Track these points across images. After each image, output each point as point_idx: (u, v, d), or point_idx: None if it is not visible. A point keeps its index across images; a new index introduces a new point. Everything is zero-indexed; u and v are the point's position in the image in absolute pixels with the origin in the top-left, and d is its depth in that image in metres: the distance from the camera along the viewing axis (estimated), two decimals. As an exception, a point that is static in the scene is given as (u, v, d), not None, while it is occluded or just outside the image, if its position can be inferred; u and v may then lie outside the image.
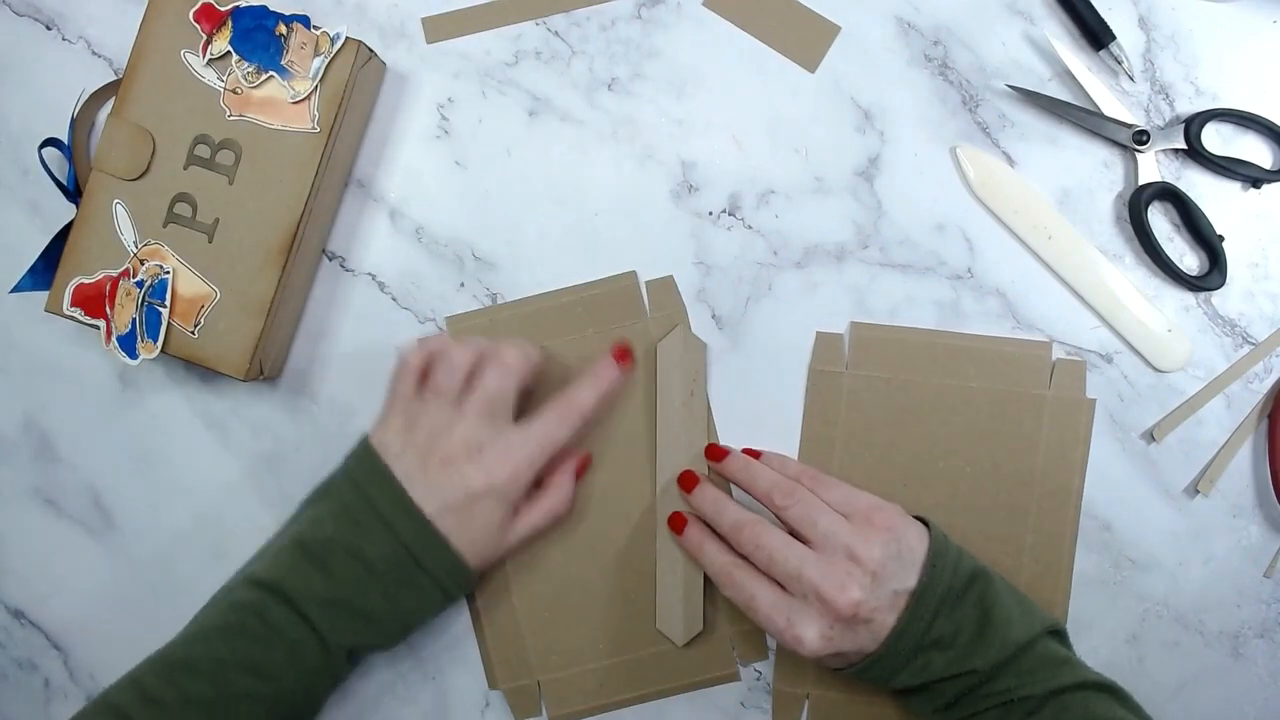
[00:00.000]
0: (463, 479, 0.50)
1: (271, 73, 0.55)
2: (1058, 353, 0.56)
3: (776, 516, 0.51)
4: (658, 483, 0.56)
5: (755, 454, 0.55)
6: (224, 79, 0.55)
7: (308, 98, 0.55)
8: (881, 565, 0.47)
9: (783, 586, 0.49)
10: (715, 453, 0.55)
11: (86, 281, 0.56)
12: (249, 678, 0.48)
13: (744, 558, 0.50)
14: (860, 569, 0.47)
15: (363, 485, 0.50)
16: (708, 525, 0.53)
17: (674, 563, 0.55)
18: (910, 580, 0.47)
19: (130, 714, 0.47)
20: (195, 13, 0.55)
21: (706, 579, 0.55)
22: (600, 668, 0.57)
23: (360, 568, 0.49)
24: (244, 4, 0.55)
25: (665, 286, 0.57)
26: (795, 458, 0.57)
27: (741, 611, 0.50)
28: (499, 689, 0.57)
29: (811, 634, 0.47)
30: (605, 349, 0.55)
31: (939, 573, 0.48)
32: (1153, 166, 0.55)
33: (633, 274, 0.57)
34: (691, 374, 0.56)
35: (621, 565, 0.56)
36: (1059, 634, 0.50)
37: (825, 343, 0.57)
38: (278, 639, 0.48)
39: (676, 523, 0.54)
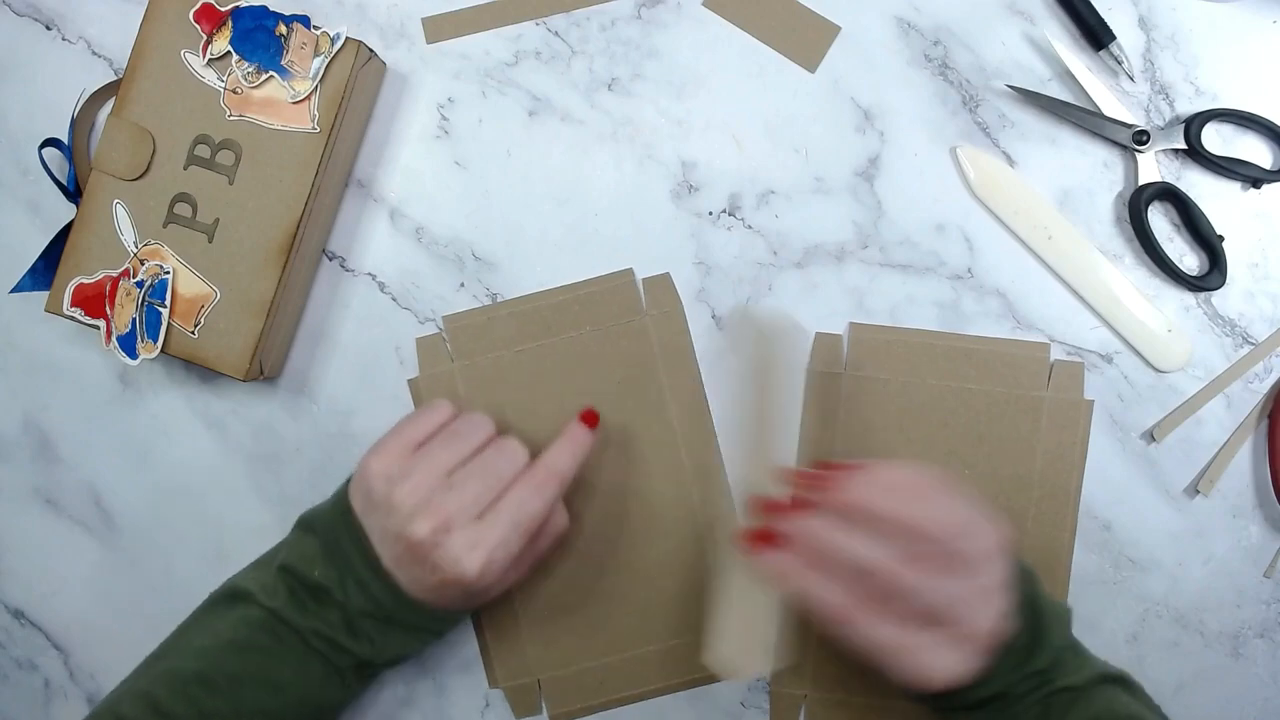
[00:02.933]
0: (432, 571, 0.47)
1: (271, 73, 0.55)
2: (1057, 354, 0.56)
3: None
4: (732, 491, 0.56)
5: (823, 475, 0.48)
6: (224, 79, 0.55)
7: (308, 98, 0.55)
8: (1005, 585, 0.44)
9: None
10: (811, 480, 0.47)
11: (86, 281, 0.56)
12: (263, 692, 0.48)
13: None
14: (995, 594, 0.44)
15: (343, 538, 0.49)
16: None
17: (743, 585, 0.49)
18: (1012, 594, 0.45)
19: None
20: (195, 13, 0.55)
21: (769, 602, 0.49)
22: (600, 666, 0.57)
23: (343, 615, 0.49)
24: (244, 4, 0.55)
25: (662, 284, 0.57)
26: (794, 458, 0.56)
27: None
28: (499, 687, 0.57)
29: (949, 662, 0.44)
30: (574, 413, 0.54)
31: (1018, 588, 0.45)
32: (1153, 166, 0.55)
33: (629, 271, 0.57)
34: (789, 367, 0.51)
35: (621, 564, 0.56)
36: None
37: (824, 344, 0.57)
38: (288, 655, 0.49)
39: (763, 540, 0.47)
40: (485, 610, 0.57)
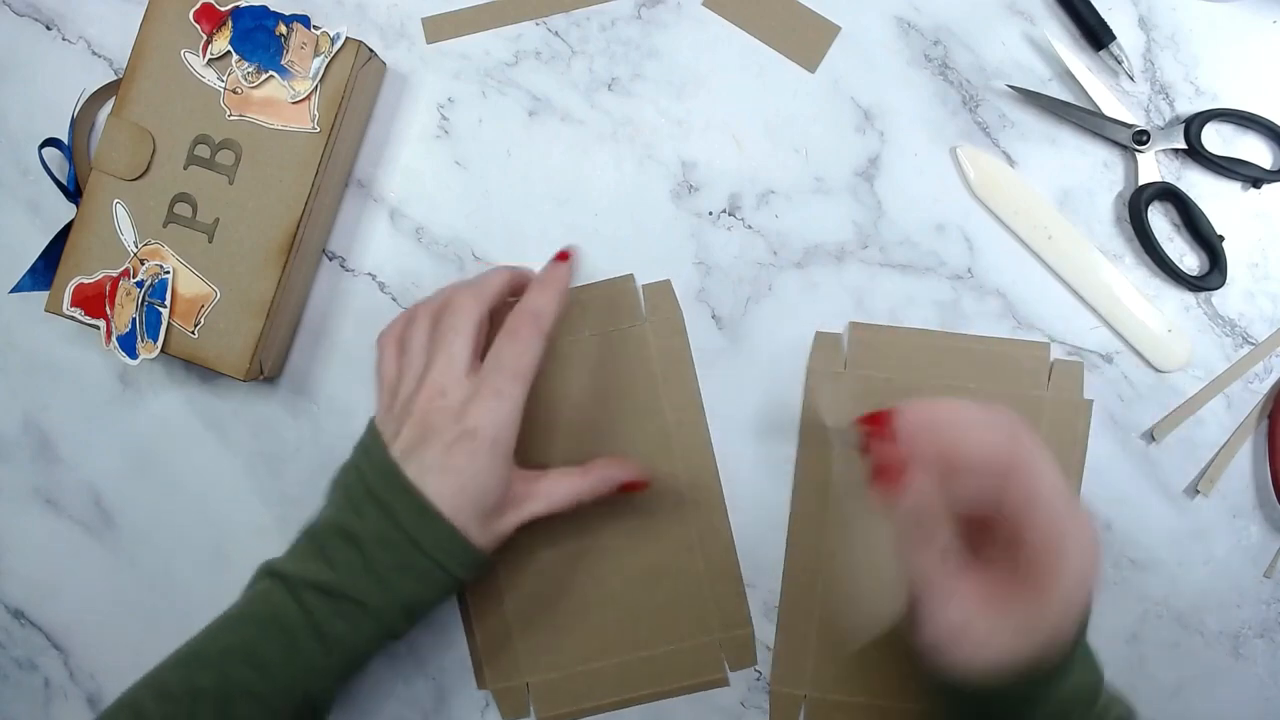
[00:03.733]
0: (437, 435, 0.47)
1: (271, 73, 0.55)
2: (1057, 353, 0.56)
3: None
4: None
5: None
6: (224, 79, 0.55)
7: (308, 98, 0.55)
8: None
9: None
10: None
11: (86, 281, 0.56)
12: (247, 670, 0.47)
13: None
14: None
15: (360, 466, 0.49)
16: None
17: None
18: None
19: (146, 708, 0.46)
20: (195, 13, 0.55)
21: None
22: (588, 670, 0.57)
23: (355, 552, 0.47)
24: (244, 4, 0.55)
25: (662, 290, 0.57)
26: (794, 458, 0.57)
27: (731, 609, 0.50)
28: (487, 689, 0.57)
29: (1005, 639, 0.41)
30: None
31: None
32: (1153, 166, 0.55)
33: (630, 277, 0.57)
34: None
35: (612, 569, 0.56)
36: None
37: (824, 343, 0.57)
38: (277, 627, 0.47)
39: (893, 475, 0.42)
40: (475, 611, 0.57)
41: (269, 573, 0.49)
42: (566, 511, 0.51)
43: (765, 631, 0.57)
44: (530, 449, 0.56)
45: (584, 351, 0.57)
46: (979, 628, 0.40)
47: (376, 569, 0.47)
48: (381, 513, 0.47)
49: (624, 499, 0.56)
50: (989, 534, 0.42)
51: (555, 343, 0.57)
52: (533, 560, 0.57)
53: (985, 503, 0.42)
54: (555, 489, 0.50)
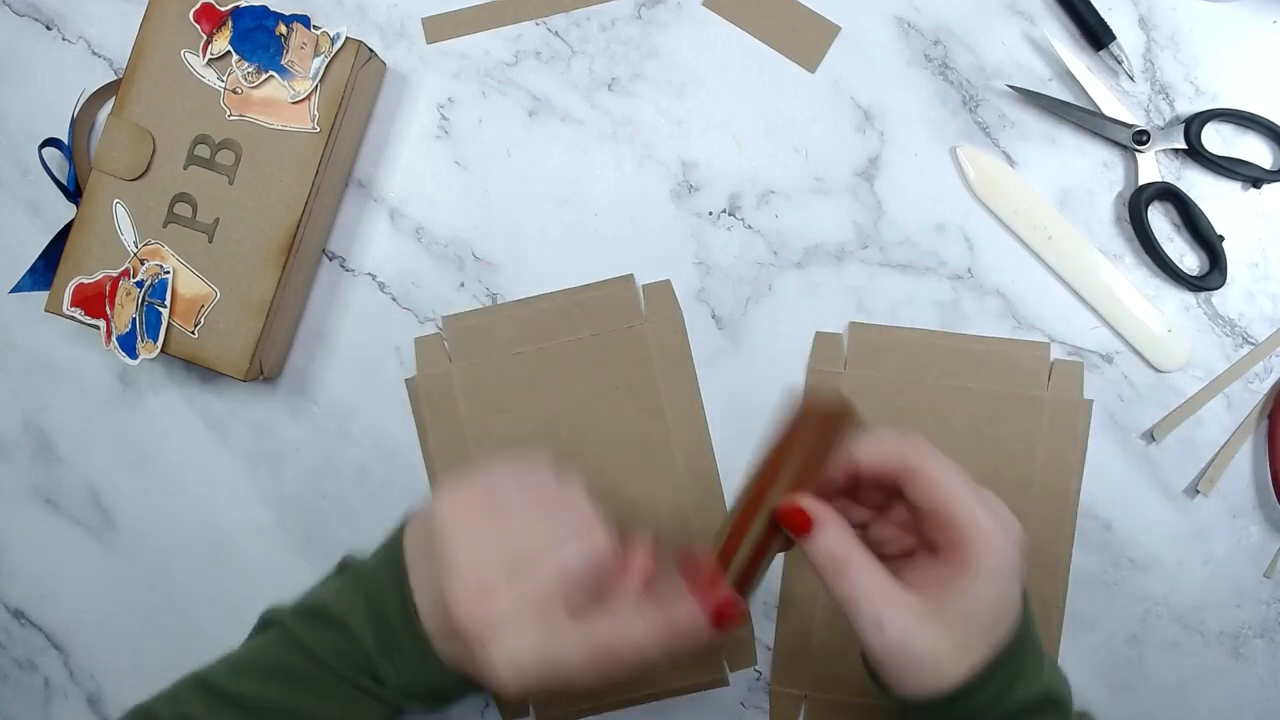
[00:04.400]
0: (471, 662, 0.41)
1: (271, 73, 0.55)
2: (1057, 353, 0.56)
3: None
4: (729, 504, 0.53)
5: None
6: (224, 79, 0.55)
7: (308, 98, 0.55)
8: None
9: None
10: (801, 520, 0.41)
11: (86, 281, 0.56)
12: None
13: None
14: None
15: (388, 597, 0.43)
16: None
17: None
18: None
19: None
20: (195, 13, 0.55)
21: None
22: None
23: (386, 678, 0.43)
24: (244, 4, 0.55)
25: (662, 290, 0.57)
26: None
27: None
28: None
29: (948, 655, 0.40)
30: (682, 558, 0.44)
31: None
32: (1153, 166, 0.55)
33: (630, 277, 0.57)
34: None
35: None
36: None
37: (824, 343, 0.57)
38: (330, 693, 0.43)
39: (799, 522, 0.41)
40: None
41: (310, 657, 0.43)
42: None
43: (765, 631, 0.57)
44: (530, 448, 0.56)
45: (584, 351, 0.57)
46: (918, 645, 0.39)
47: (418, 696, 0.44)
48: (403, 662, 0.43)
49: (620, 503, 0.56)
50: (915, 554, 0.42)
51: (555, 344, 0.57)
52: None
53: (897, 515, 0.43)
54: (604, 629, 0.42)
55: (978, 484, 0.42)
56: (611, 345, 0.57)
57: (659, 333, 0.57)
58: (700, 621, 0.41)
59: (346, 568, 0.47)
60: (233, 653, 0.46)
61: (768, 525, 0.42)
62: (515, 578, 0.41)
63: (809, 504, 0.41)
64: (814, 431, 0.43)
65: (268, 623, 0.46)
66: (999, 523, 0.41)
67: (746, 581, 0.43)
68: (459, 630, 0.40)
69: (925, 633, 0.39)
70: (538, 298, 0.58)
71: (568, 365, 0.57)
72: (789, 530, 0.41)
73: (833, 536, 0.41)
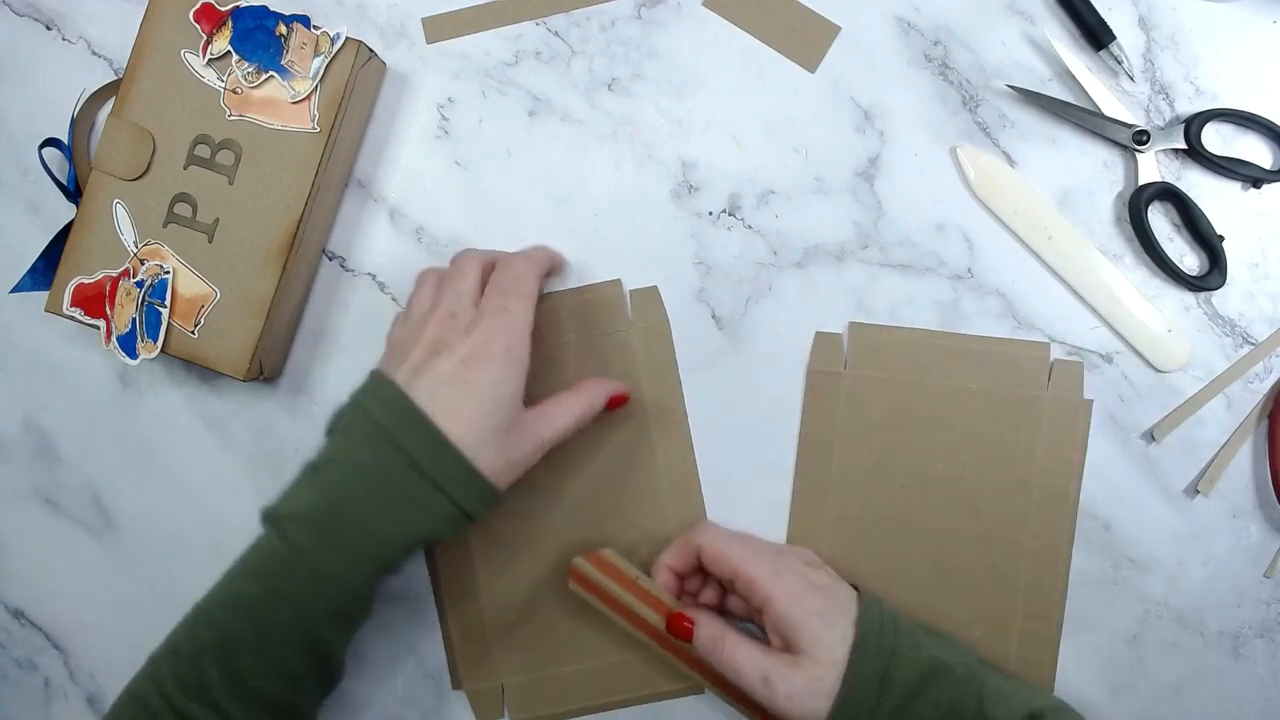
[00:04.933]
0: (449, 349, 0.47)
1: (271, 73, 0.55)
2: (1057, 353, 0.56)
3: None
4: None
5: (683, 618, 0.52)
6: (224, 79, 0.55)
7: (308, 98, 0.55)
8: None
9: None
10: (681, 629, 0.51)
11: (86, 281, 0.56)
12: (243, 622, 0.46)
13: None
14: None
15: (362, 400, 0.48)
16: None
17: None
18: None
19: (161, 669, 0.47)
20: (195, 13, 0.55)
21: None
22: (563, 674, 0.56)
23: (356, 481, 0.46)
24: (244, 4, 0.55)
25: (650, 296, 0.57)
26: (794, 459, 0.57)
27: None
28: (462, 689, 0.57)
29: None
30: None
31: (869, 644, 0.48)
32: (1153, 166, 0.55)
33: (617, 282, 0.57)
34: None
35: None
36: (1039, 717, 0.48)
37: (824, 343, 0.57)
38: (266, 573, 0.47)
39: (681, 630, 0.51)
40: (451, 611, 0.57)
41: (263, 515, 0.48)
42: (569, 438, 0.51)
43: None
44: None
45: (569, 355, 0.57)
46: (798, 683, 0.47)
47: (377, 500, 0.46)
48: (386, 440, 0.46)
49: (600, 509, 0.56)
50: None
51: (540, 345, 0.55)
52: (510, 564, 0.56)
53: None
54: (558, 412, 0.51)
55: (774, 555, 0.52)
56: (597, 349, 0.57)
57: (645, 339, 0.57)
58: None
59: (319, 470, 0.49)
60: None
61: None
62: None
63: (685, 612, 0.51)
64: (620, 577, 0.53)
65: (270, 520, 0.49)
66: (771, 562, 0.50)
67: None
68: (432, 330, 0.48)
69: (799, 670, 0.47)
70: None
71: (550, 368, 0.56)
72: (679, 637, 0.51)
73: (706, 627, 0.50)
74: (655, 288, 0.57)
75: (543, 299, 0.56)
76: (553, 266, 0.55)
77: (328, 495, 0.47)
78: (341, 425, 0.49)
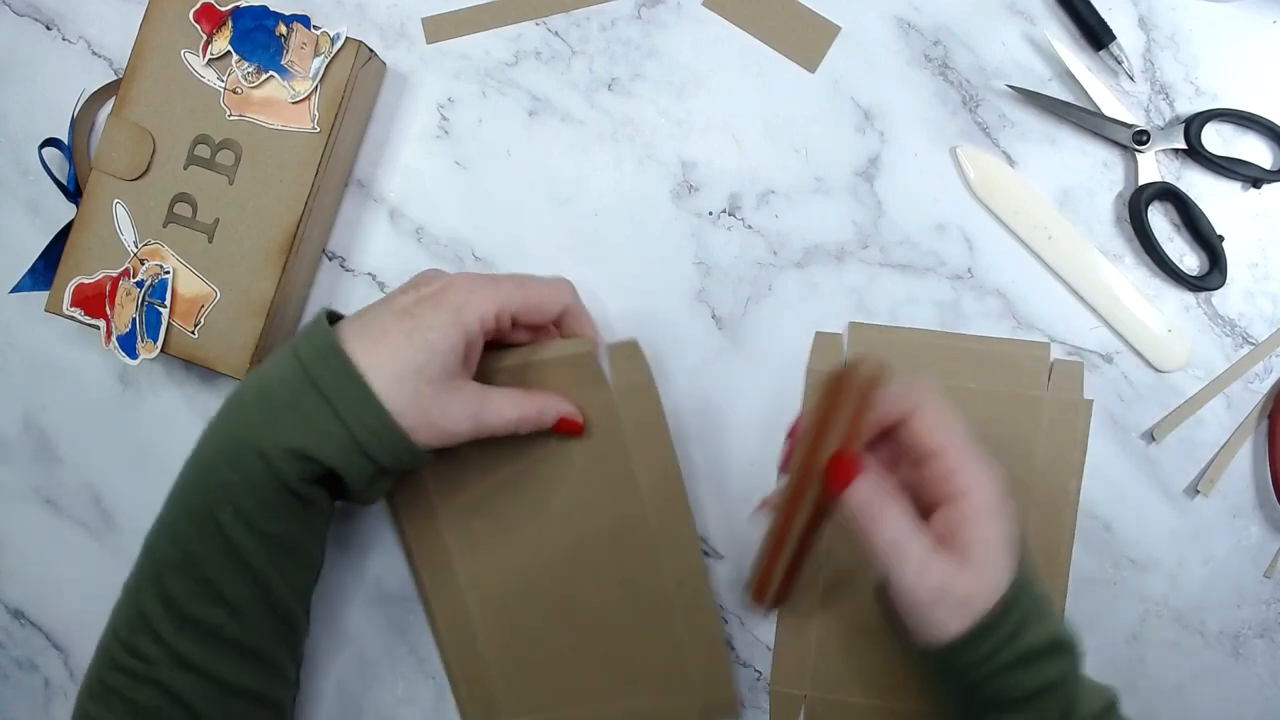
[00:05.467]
0: (407, 296, 0.47)
1: (271, 73, 0.55)
2: (1057, 353, 0.56)
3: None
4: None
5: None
6: (224, 79, 0.55)
7: (308, 98, 0.55)
8: None
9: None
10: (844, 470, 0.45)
11: (86, 281, 0.56)
12: (166, 542, 0.47)
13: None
14: None
15: (295, 339, 0.47)
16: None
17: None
18: None
19: (115, 611, 0.49)
20: (195, 13, 0.55)
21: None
22: (567, 717, 0.55)
23: (254, 393, 0.46)
24: (244, 4, 0.55)
25: (628, 352, 0.53)
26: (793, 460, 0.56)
27: (712, 672, 0.52)
28: None
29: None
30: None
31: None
32: (1153, 166, 0.55)
33: (587, 341, 0.52)
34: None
35: (589, 626, 0.55)
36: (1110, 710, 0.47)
37: (823, 343, 0.57)
38: (179, 488, 0.48)
39: (844, 469, 0.45)
40: (452, 654, 0.56)
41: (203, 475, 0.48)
42: (506, 435, 0.49)
43: (765, 632, 0.57)
44: (497, 513, 0.54)
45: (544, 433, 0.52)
46: (959, 587, 0.43)
47: (266, 406, 0.45)
48: (290, 351, 0.46)
49: (596, 564, 0.54)
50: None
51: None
52: (509, 613, 0.55)
53: (900, 474, 0.46)
54: (503, 401, 0.49)
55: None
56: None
57: (628, 400, 0.53)
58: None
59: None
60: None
61: (820, 492, 0.46)
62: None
63: (853, 454, 0.45)
64: (853, 399, 0.45)
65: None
66: (989, 467, 0.45)
67: (800, 560, 0.48)
68: (376, 314, 0.47)
69: (961, 577, 0.42)
70: (499, 353, 0.52)
71: (530, 442, 0.52)
72: (837, 481, 0.44)
73: (872, 484, 0.44)
74: (634, 341, 0.53)
75: (507, 357, 0.52)
76: (565, 308, 0.51)
77: (224, 409, 0.47)
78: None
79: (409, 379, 0.45)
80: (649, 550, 0.54)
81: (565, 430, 0.52)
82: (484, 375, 0.51)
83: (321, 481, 0.47)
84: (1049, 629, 0.45)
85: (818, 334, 0.57)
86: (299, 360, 0.45)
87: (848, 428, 0.45)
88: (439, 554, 0.55)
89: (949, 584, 0.43)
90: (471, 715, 0.56)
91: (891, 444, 0.47)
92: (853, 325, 0.57)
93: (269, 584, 0.47)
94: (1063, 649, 0.45)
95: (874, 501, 0.44)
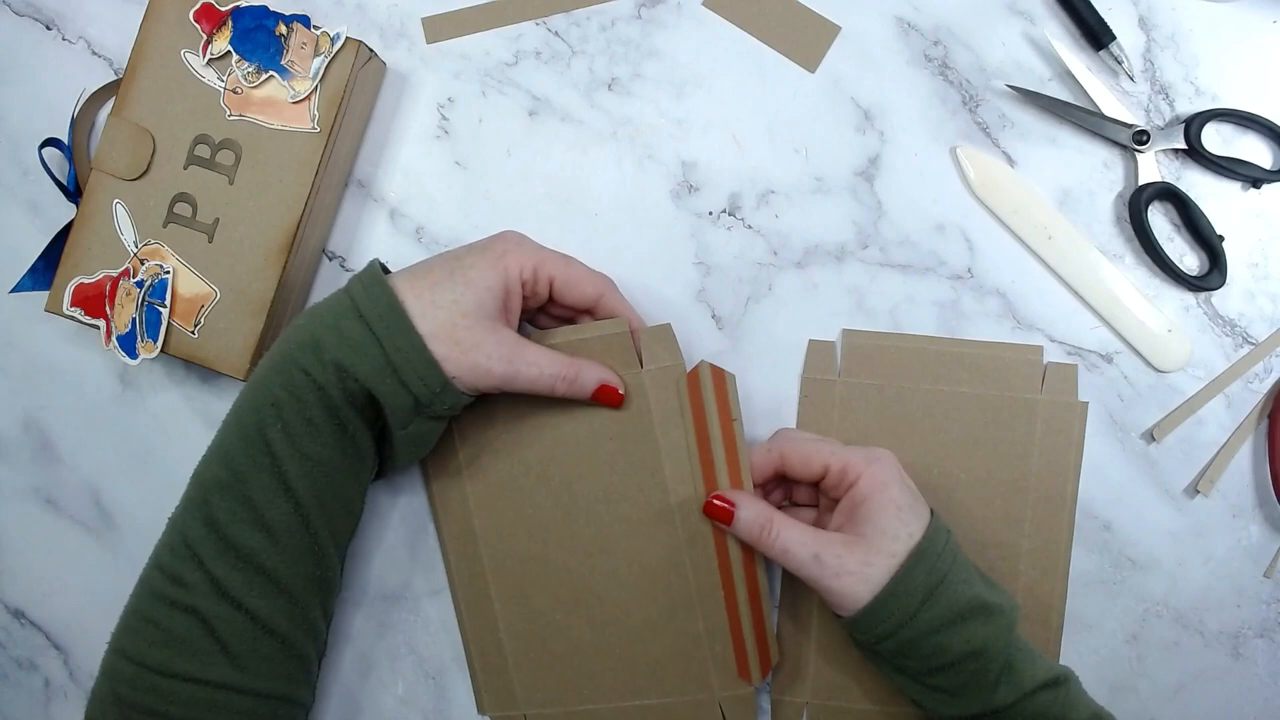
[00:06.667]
0: (438, 258, 0.49)
1: (271, 73, 0.55)
2: (1057, 353, 0.56)
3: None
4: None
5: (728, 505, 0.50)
6: (224, 79, 0.55)
7: (308, 98, 0.55)
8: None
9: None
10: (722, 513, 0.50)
11: (86, 281, 0.56)
12: (216, 463, 0.48)
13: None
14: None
15: (349, 284, 0.49)
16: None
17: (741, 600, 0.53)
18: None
19: (160, 543, 0.49)
20: (195, 13, 0.55)
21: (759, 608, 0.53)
22: (585, 711, 0.56)
23: (302, 321, 0.48)
24: (244, 4, 0.55)
25: (662, 335, 0.53)
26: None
27: (730, 675, 0.54)
28: (486, 715, 0.57)
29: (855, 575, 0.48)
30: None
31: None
32: (1153, 166, 0.55)
33: (623, 321, 0.52)
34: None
35: (609, 620, 0.55)
36: (1061, 683, 0.48)
37: (817, 351, 0.57)
38: (234, 411, 0.49)
39: (721, 513, 0.50)
40: (473, 641, 0.56)
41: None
42: (543, 393, 0.50)
43: (765, 631, 0.57)
44: (524, 500, 0.55)
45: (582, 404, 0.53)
46: (851, 562, 0.47)
47: (314, 332, 0.47)
48: (341, 290, 0.49)
49: (617, 555, 0.54)
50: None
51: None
52: (527, 604, 0.55)
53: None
54: (543, 357, 0.50)
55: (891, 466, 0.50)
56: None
57: (657, 382, 0.53)
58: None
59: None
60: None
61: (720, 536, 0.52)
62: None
63: (724, 494, 0.50)
64: (716, 426, 0.51)
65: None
66: (866, 452, 0.50)
67: (760, 614, 0.53)
68: (426, 267, 0.49)
69: (854, 551, 0.47)
70: (537, 333, 0.54)
71: (561, 412, 0.54)
72: (719, 521, 0.50)
73: (750, 509, 0.49)
74: (668, 325, 0.53)
75: (544, 337, 0.53)
76: (603, 294, 0.52)
77: (279, 338, 0.49)
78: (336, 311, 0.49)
79: (444, 307, 0.47)
80: (670, 541, 0.54)
81: (604, 399, 0.52)
82: None
83: (363, 414, 0.49)
84: (971, 591, 0.48)
85: (811, 342, 0.57)
86: (347, 291, 0.48)
87: (726, 460, 0.51)
88: (466, 535, 0.56)
89: (844, 558, 0.47)
90: (488, 704, 0.57)
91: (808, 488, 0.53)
92: (846, 332, 0.57)
93: (309, 516, 0.48)
94: (990, 611, 0.47)
95: (756, 522, 0.49)
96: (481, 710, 0.57)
